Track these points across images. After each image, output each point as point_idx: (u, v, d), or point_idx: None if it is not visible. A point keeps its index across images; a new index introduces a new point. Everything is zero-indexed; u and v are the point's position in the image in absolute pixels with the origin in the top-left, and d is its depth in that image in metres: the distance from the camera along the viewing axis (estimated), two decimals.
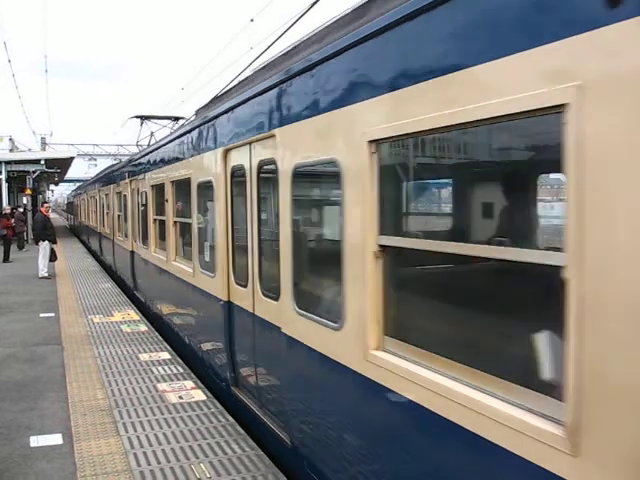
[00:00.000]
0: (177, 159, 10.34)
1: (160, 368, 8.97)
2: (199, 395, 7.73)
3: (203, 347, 8.90)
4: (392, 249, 3.98)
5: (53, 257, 20.35)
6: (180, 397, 7.65)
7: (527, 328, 3.15)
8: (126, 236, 17.03)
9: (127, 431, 6.55)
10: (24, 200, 36.22)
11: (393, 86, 3.78)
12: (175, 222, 10.79)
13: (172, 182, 10.77)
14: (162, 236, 11.98)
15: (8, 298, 15.56)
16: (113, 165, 24.82)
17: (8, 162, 33.64)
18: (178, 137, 10.40)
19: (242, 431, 6.56)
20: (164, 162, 11.56)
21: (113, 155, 54.68)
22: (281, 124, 5.57)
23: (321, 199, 6.08)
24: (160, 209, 11.93)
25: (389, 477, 4.06)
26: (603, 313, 2.43)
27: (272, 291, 6.06)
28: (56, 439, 6.38)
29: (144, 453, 5.99)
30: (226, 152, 7.41)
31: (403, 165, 4.31)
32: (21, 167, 34.04)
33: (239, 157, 7.03)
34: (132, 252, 16.00)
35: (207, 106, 9.48)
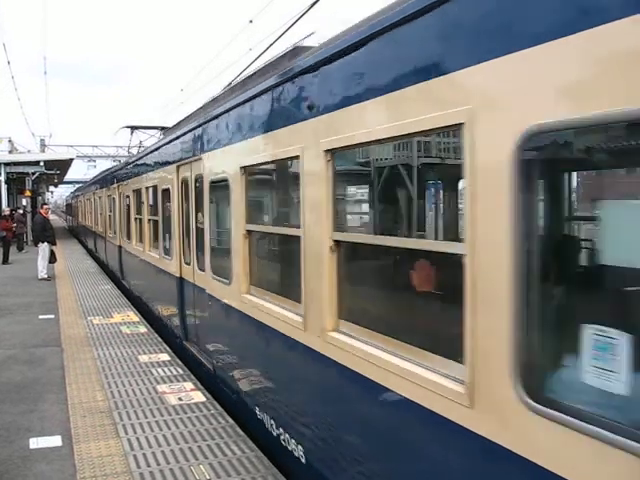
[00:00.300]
0: (149, 169, 13.32)
1: (160, 370, 8.96)
2: (199, 397, 7.73)
3: (164, 312, 11.84)
4: (255, 233, 6.80)
5: (53, 259, 20.36)
6: (180, 399, 7.64)
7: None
8: (115, 233, 19.62)
9: (127, 433, 6.55)
10: (23, 202, 36.22)
11: (248, 135, 6.54)
12: (149, 220, 13.55)
13: (146, 188, 13.56)
14: (141, 232, 14.75)
15: (7, 300, 15.56)
16: (104, 171, 27.28)
17: (7, 164, 33.63)
18: (150, 152, 13.46)
19: (242, 432, 6.55)
20: (140, 172, 14.62)
21: (112, 157, 54.63)
22: (203, 152, 8.51)
23: (222, 201, 8.18)
24: (138, 210, 14.91)
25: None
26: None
27: (202, 267, 8.75)
28: (56, 441, 6.37)
29: (144, 455, 5.99)
30: (178, 167, 10.17)
31: (263, 181, 7.41)
32: (20, 169, 34.05)
33: (185, 171, 9.78)
34: (120, 247, 18.46)
35: (171, 129, 12.77)
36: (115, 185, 19.33)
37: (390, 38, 3.79)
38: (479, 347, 3.09)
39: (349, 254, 4.81)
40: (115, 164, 29.03)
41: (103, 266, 23.76)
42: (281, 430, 5.77)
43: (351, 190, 6.05)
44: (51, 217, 21.74)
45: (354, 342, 4.38)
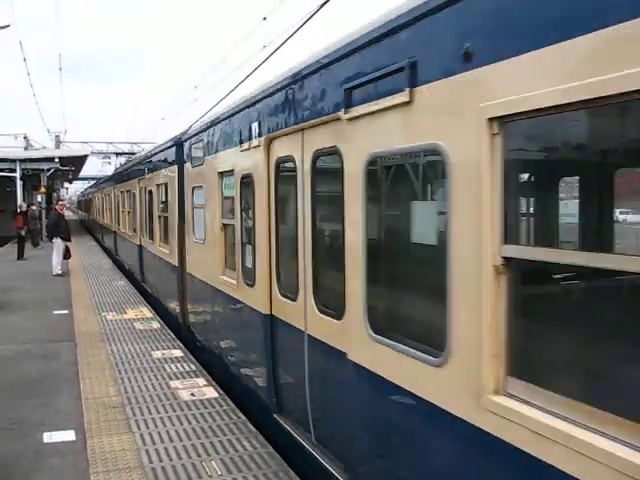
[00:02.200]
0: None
1: (172, 365, 9.01)
2: (211, 392, 7.76)
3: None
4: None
5: (67, 255, 20.48)
6: (192, 394, 7.68)
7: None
8: (119, 226, 23.00)
9: (139, 428, 6.59)
10: (38, 198, 36.46)
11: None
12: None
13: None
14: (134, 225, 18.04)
15: (22, 295, 15.69)
16: (107, 176, 33.56)
17: (23, 160, 33.83)
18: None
19: (253, 429, 6.58)
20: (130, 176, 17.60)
21: (127, 153, 54.83)
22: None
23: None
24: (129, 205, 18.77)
25: None
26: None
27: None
28: (69, 435, 6.43)
29: (156, 450, 6.03)
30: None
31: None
32: (35, 165, 34.22)
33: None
34: (115, 232, 23.87)
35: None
36: (114, 185, 20.80)
37: None
38: None
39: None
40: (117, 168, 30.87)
41: (110, 254, 26.50)
42: None
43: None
44: (65, 212, 21.84)
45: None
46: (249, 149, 6.98)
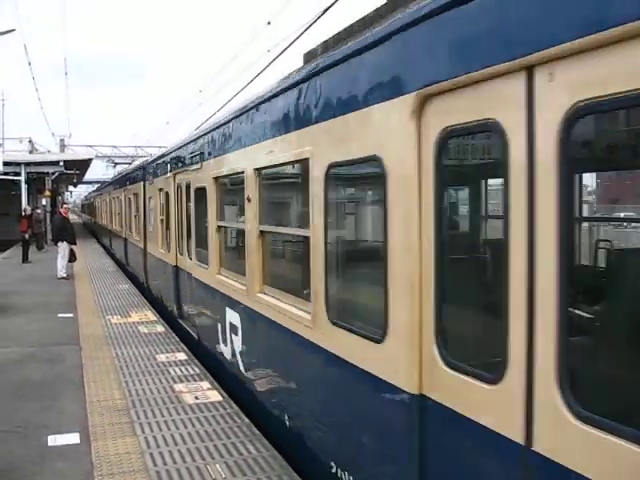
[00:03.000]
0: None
1: (177, 369, 9.02)
2: (215, 396, 7.76)
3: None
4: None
5: (72, 258, 20.52)
6: (196, 398, 7.68)
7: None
8: (120, 227, 24.61)
9: (144, 431, 6.60)
10: (43, 201, 36.57)
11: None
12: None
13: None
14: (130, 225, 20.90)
15: (27, 298, 15.73)
16: (104, 182, 40.36)
17: (28, 164, 33.96)
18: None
19: (257, 432, 6.58)
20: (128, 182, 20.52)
21: (131, 157, 54.96)
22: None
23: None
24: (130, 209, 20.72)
25: None
26: None
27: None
28: (73, 438, 6.44)
29: (160, 453, 6.03)
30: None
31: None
32: (40, 169, 34.36)
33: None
34: (109, 229, 28.01)
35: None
36: (112, 189, 24.64)
37: None
38: None
39: None
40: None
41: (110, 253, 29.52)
42: None
43: None
44: (70, 216, 21.90)
45: None
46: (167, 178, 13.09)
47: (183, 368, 9.06)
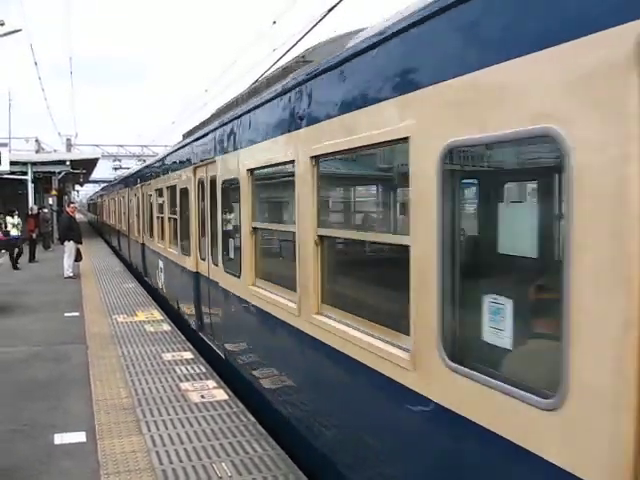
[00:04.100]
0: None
1: (183, 367, 9.02)
2: (221, 395, 7.77)
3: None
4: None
5: (78, 257, 20.56)
6: (202, 396, 7.69)
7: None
8: (120, 224, 27.19)
9: (150, 429, 6.61)
10: (50, 201, 36.68)
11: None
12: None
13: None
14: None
15: (34, 297, 15.78)
16: (110, 181, 43.13)
17: (34, 163, 34.06)
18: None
19: (263, 431, 6.58)
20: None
21: (137, 156, 55.15)
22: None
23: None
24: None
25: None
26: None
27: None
28: (80, 437, 6.45)
29: (166, 451, 6.04)
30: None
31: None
32: (47, 168, 34.44)
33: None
34: (105, 223, 33.79)
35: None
36: (117, 189, 28.50)
37: None
38: None
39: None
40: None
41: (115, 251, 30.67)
42: None
43: None
44: (76, 214, 21.97)
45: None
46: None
47: (189, 367, 9.06)
